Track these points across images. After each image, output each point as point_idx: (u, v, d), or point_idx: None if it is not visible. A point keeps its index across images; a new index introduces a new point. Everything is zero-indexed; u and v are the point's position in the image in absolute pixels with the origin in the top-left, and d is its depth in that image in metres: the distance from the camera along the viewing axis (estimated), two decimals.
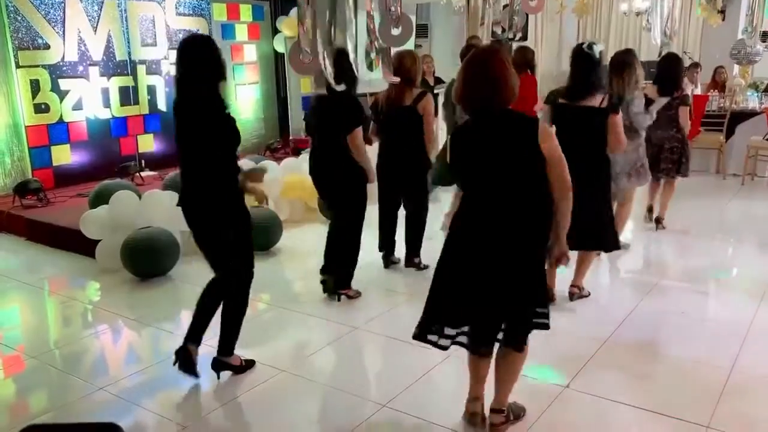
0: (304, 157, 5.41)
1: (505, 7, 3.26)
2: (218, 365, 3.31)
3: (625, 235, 5.25)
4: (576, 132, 3.78)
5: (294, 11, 9.22)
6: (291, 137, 9.78)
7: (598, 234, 3.98)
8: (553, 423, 2.89)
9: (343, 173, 4.15)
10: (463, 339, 2.69)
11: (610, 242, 4.12)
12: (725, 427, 2.81)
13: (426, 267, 4.78)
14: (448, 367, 3.35)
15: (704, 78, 9.67)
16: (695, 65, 9.53)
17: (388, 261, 4.98)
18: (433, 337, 2.67)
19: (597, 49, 3.78)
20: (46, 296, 4.85)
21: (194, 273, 4.89)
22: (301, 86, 9.92)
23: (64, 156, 7.29)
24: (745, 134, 8.02)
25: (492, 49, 2.61)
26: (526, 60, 5.86)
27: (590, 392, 3.11)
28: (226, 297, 3.30)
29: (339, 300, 4.30)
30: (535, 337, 2.67)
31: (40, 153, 7.09)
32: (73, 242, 5.47)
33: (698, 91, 8.99)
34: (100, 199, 5.48)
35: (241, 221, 3.19)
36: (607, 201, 4.04)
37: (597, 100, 3.78)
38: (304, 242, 5.62)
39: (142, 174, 7.30)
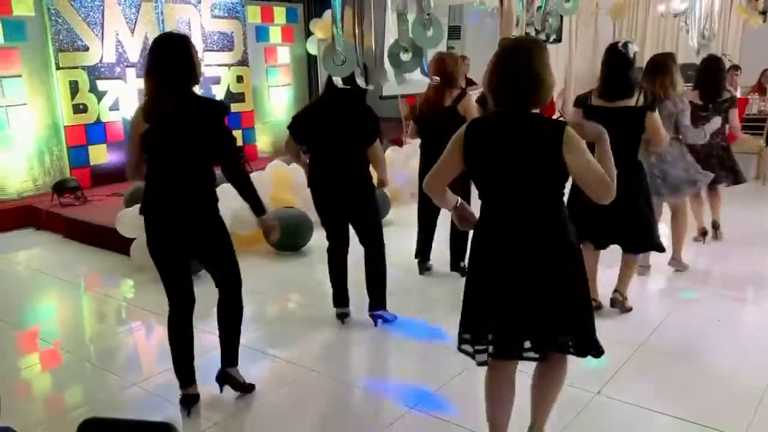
0: None
1: (539, 8, 3.23)
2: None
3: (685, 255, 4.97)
4: (612, 134, 3.71)
5: (327, 13, 9.30)
6: None
7: (641, 235, 3.91)
8: (583, 431, 2.84)
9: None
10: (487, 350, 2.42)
11: (653, 242, 4.01)
12: None
13: None
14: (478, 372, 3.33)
15: (746, 81, 9.46)
16: (735, 68, 9.32)
17: (423, 267, 4.94)
18: (466, 347, 2.45)
19: (632, 48, 3.71)
20: (82, 292, 4.95)
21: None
22: None
23: (100, 155, 7.44)
24: None
25: (533, 40, 2.45)
26: None
27: (622, 399, 3.06)
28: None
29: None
30: None
31: (78, 152, 7.25)
32: (108, 240, 5.58)
33: (738, 94, 8.80)
34: (136, 198, 5.58)
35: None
36: (648, 203, 3.92)
37: (633, 100, 3.70)
38: None
39: None
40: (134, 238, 5.14)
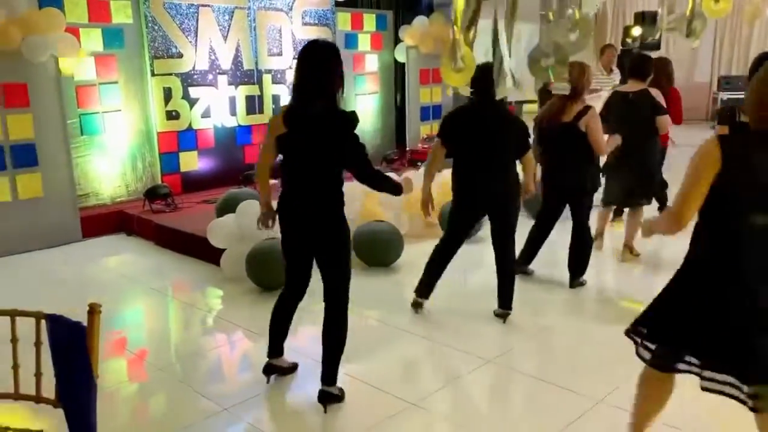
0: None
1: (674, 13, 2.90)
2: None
3: None
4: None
5: (417, 20, 9.10)
6: (408, 148, 9.63)
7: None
8: None
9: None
10: None
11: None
12: None
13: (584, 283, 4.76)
14: (594, 418, 3.00)
15: None
16: None
17: (522, 271, 4.74)
18: None
19: None
20: (170, 302, 4.89)
21: (314, 287, 4.77)
22: (420, 96, 9.75)
23: (191, 162, 7.48)
24: None
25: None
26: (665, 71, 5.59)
27: None
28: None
29: None
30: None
31: (170, 159, 7.30)
32: (199, 249, 5.52)
33: None
34: (227, 207, 5.48)
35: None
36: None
37: None
38: (425, 258, 5.37)
39: None
40: (224, 249, 5.05)
